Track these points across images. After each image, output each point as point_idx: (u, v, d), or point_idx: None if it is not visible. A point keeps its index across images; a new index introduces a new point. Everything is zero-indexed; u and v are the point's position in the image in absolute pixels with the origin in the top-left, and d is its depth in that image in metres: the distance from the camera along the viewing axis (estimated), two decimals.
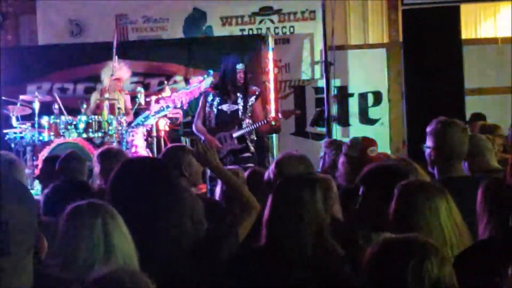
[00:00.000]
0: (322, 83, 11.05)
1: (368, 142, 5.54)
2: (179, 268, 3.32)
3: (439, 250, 2.26)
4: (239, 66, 8.77)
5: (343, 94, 11.98)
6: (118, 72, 10.24)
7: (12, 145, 9.80)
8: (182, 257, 3.37)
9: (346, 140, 6.04)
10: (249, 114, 8.82)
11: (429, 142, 4.56)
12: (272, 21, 12.09)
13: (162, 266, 3.17)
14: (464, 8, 11.68)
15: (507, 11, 11.99)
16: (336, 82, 11.83)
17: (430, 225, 3.21)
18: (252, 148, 8.87)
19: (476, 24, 12.20)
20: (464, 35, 11.75)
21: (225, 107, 8.83)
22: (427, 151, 4.58)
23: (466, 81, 11.32)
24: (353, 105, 12.06)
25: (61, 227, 3.01)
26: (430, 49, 10.64)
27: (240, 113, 8.79)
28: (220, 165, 4.16)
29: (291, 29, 12.06)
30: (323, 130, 10.82)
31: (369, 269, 2.35)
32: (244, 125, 8.78)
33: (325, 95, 10.45)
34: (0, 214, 1.89)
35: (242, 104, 8.81)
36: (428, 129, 4.61)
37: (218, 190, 5.21)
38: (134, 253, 2.98)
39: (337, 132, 11.19)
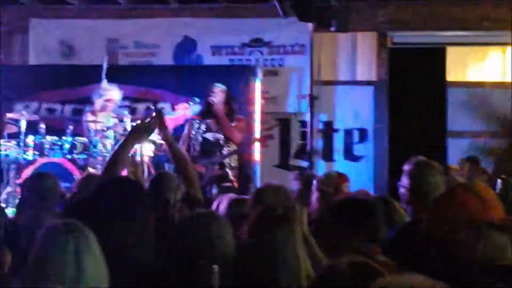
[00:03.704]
0: (307, 117, 11.10)
1: (342, 178, 5.50)
2: None
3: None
4: (217, 85, 8.94)
5: (329, 129, 12.05)
6: (109, 93, 10.18)
7: None
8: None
9: None
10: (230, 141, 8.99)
11: (404, 181, 4.51)
12: (261, 53, 12.16)
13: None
14: (452, 51, 11.82)
15: (496, 56, 12.12)
16: (322, 117, 11.91)
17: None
18: (231, 176, 8.94)
19: (464, 68, 12.28)
20: (453, 77, 11.87)
21: (209, 135, 8.92)
22: (402, 190, 4.53)
23: (450, 124, 11.43)
24: (338, 140, 12.11)
25: (35, 245, 3.03)
26: (415, 89, 10.70)
27: (222, 141, 8.91)
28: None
29: (280, 61, 12.13)
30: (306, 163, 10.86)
31: None
32: (225, 152, 8.91)
33: (308, 129, 10.48)
34: None
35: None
36: (405, 167, 4.56)
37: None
38: (105, 275, 3.01)
39: (321, 167, 11.24)
